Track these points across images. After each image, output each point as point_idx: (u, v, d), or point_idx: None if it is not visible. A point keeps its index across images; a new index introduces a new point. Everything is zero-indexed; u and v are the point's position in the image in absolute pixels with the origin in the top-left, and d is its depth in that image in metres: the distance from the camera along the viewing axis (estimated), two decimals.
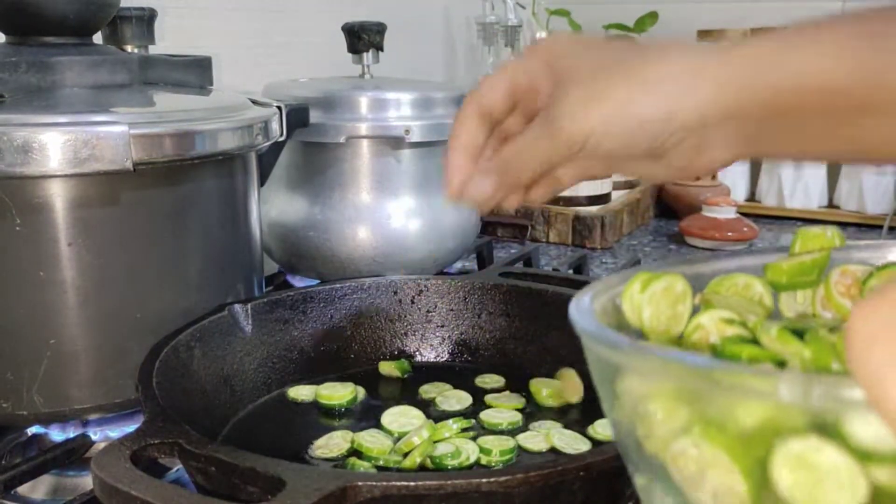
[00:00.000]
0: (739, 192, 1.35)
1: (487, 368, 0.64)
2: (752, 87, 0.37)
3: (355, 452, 0.51)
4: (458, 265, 0.92)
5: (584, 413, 0.57)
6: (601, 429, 0.54)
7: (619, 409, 0.23)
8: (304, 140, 0.76)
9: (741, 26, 1.35)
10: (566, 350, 0.61)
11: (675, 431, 0.21)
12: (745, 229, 1.11)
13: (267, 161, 0.71)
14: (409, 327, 0.66)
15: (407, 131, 0.76)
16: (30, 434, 0.57)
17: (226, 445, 0.39)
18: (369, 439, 0.51)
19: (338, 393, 0.58)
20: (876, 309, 0.17)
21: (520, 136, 0.42)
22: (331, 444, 0.52)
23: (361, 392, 0.59)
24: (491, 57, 1.37)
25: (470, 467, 0.49)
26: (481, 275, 0.69)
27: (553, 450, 0.52)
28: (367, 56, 0.82)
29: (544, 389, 0.59)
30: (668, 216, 1.30)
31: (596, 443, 0.53)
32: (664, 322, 0.29)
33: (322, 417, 0.57)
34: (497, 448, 0.50)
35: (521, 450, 0.52)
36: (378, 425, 0.54)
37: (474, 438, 0.52)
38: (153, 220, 0.54)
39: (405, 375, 0.62)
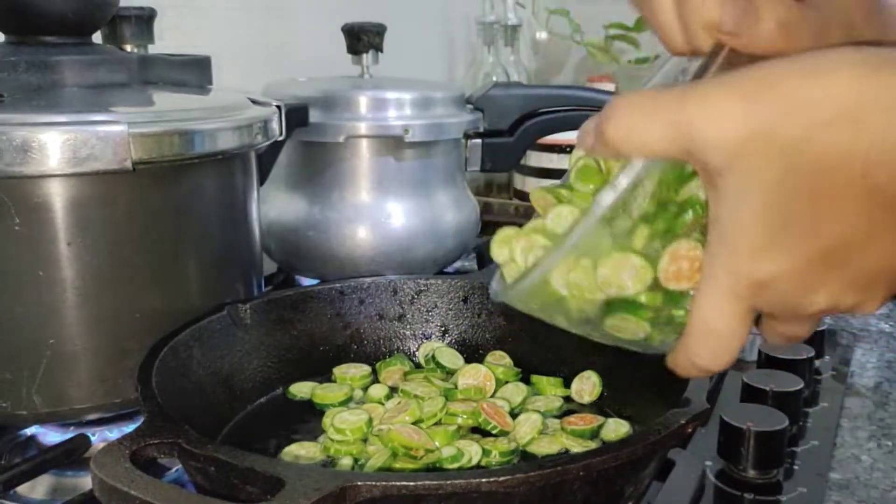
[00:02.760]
0: None
1: None
2: None
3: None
4: (458, 265, 0.92)
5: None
6: (602, 429, 0.54)
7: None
8: (304, 140, 0.76)
9: None
10: (566, 350, 0.61)
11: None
12: None
13: (266, 160, 0.71)
14: (409, 327, 0.66)
15: (406, 131, 0.76)
16: (29, 434, 0.57)
17: (225, 445, 0.39)
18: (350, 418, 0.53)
19: (332, 392, 0.58)
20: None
21: None
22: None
23: (359, 393, 0.59)
24: (491, 57, 1.37)
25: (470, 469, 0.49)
26: (481, 275, 0.69)
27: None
28: (367, 57, 0.82)
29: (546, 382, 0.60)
30: None
31: (597, 443, 0.53)
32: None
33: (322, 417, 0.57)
34: (497, 450, 0.50)
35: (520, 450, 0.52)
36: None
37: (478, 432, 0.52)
38: (152, 220, 0.53)
39: (406, 377, 0.62)
